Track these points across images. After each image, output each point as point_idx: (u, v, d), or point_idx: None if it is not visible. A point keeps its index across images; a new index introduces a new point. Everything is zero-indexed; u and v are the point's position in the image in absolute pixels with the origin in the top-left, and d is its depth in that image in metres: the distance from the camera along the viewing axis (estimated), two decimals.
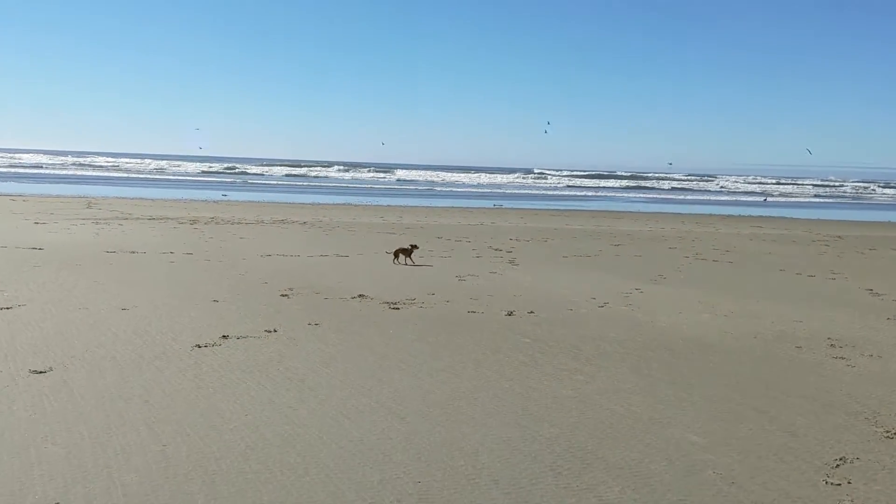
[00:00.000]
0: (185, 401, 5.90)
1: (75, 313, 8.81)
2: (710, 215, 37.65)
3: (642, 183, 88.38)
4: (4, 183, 44.03)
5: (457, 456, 5.01)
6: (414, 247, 14.71)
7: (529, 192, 66.61)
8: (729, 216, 37.65)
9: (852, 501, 4.51)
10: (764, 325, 9.78)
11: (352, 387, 6.45)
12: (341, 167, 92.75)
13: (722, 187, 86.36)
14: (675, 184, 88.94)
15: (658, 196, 66.89)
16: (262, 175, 79.71)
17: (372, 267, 13.95)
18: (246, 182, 63.50)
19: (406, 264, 14.22)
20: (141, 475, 4.49)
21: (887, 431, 5.75)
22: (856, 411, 6.27)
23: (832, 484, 4.75)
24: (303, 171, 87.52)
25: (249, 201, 35.96)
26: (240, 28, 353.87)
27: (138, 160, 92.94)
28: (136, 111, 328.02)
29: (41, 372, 6.44)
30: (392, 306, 10.10)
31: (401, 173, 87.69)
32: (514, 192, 65.09)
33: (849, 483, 4.77)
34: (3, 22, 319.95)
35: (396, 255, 14.42)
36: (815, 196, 77.18)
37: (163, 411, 5.63)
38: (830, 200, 70.02)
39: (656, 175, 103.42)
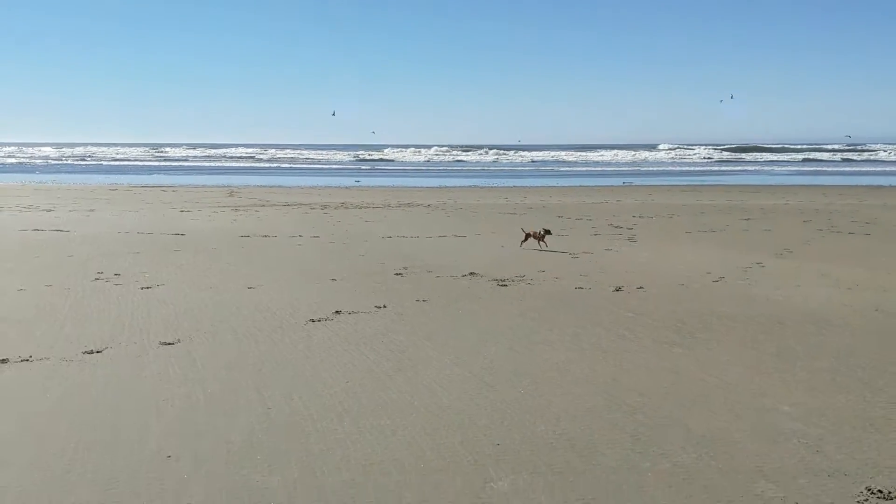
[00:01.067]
0: (293, 369, 6.36)
1: (205, 292, 9.56)
2: (858, 186, 35.42)
3: (794, 156, 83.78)
4: (156, 175, 47.37)
5: (538, 421, 5.18)
6: (547, 231, 13.75)
7: (664, 168, 64.81)
8: (879, 187, 35.28)
9: None
10: (889, 298, 9.29)
11: (448, 358, 6.72)
12: (478, 150, 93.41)
13: (887, 159, 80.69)
14: (830, 155, 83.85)
15: (805, 168, 63.38)
16: (394, 161, 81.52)
17: (487, 246, 14.18)
18: (374, 168, 65.25)
19: (541, 248, 13.57)
20: (245, 434, 4.94)
21: None
22: None
23: None
24: (433, 153, 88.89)
25: (380, 186, 37.03)
26: (374, 14, 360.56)
27: (279, 150, 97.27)
28: (275, 101, 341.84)
29: (169, 343, 7.09)
30: (500, 283, 10.30)
31: (533, 154, 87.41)
32: (648, 168, 63.52)
33: None
34: (147, 22, 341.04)
35: (526, 238, 13.80)
36: None
37: (272, 378, 6.10)
38: None
39: (810, 146, 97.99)
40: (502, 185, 38.79)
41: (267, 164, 71.67)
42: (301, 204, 24.25)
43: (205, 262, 11.99)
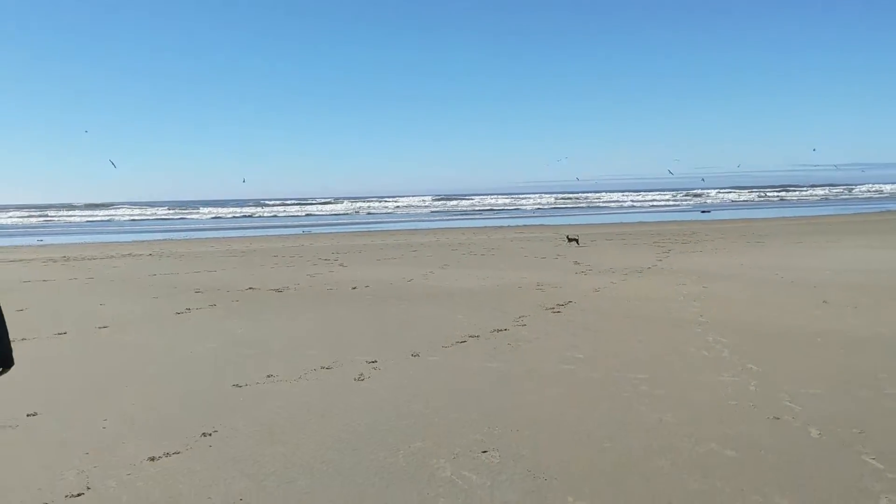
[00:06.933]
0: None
1: None
2: (488, 227, 45.33)
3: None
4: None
5: None
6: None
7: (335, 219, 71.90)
8: (501, 227, 45.57)
9: None
10: (503, 282, 16.47)
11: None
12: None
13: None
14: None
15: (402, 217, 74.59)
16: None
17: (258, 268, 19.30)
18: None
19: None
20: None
21: (550, 308, 12.37)
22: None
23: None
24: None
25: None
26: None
27: None
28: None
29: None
30: (278, 291, 15.73)
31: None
32: (323, 221, 70.04)
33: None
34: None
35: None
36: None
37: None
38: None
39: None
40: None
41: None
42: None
43: None
